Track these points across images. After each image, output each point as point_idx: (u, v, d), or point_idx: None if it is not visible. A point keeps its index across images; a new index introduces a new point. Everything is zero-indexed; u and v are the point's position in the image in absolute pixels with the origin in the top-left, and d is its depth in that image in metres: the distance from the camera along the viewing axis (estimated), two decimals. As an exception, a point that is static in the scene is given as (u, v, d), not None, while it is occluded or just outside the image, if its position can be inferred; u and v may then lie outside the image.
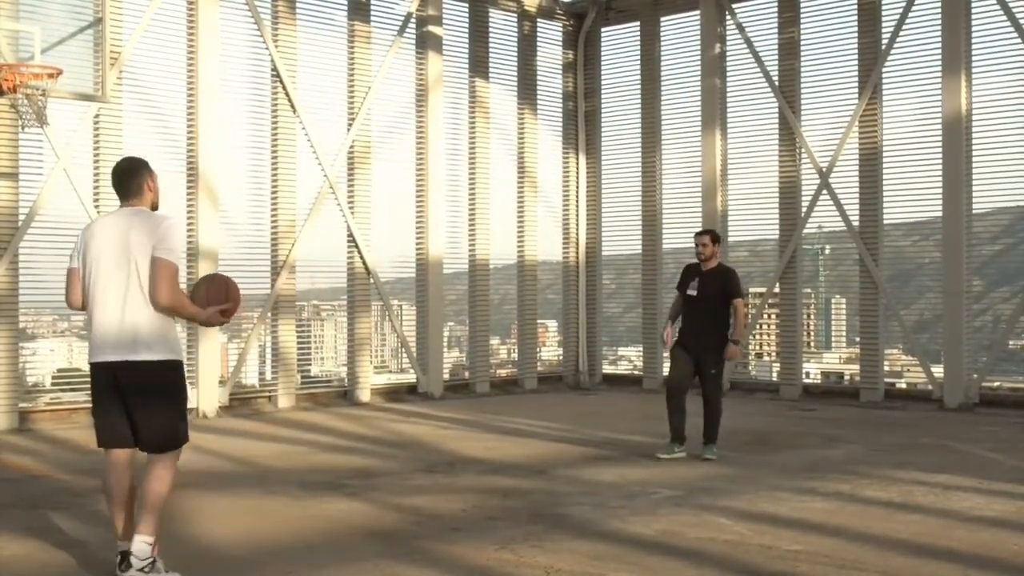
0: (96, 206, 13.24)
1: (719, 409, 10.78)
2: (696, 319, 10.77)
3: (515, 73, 18.19)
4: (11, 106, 11.27)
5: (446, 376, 17.35)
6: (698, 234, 10.99)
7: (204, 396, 14.01)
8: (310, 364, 16.25)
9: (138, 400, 6.04)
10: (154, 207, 6.29)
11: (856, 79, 15.96)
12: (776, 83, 16.65)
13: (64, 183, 13.23)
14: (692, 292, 10.74)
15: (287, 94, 15.10)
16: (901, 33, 15.53)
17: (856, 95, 15.92)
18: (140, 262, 5.97)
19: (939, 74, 15.16)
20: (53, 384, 14.45)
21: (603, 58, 19.06)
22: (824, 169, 16.19)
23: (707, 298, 10.70)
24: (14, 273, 12.93)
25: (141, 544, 5.98)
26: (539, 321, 18.86)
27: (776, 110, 16.73)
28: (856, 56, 15.98)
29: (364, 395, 15.91)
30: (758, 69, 16.88)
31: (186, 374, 6.39)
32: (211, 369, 14.22)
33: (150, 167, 6.34)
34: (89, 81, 11.67)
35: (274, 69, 15.07)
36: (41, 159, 13.18)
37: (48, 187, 13.13)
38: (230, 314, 6.34)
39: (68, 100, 11.74)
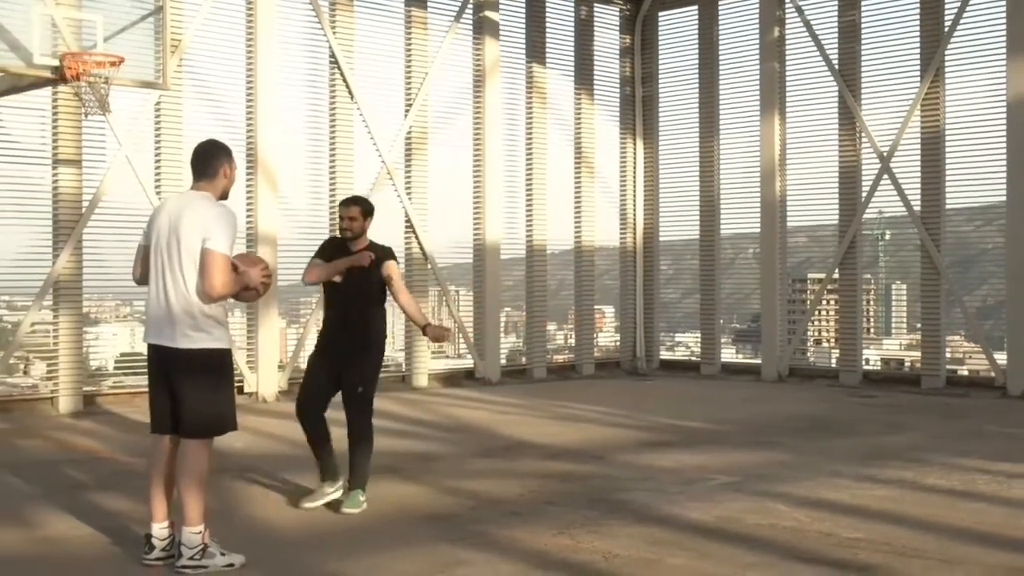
0: (157, 192, 13.38)
1: (370, 438, 7.85)
2: (340, 315, 7.76)
3: (572, 58, 18.13)
4: (74, 94, 11.39)
5: (503, 361, 17.38)
6: (344, 203, 7.84)
7: (264, 381, 14.12)
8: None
9: (176, 385, 6.10)
10: (224, 195, 6.31)
11: (918, 61, 15.75)
12: (836, 66, 16.47)
13: (126, 170, 13.38)
14: (337, 279, 7.67)
15: (345, 80, 15.17)
16: (965, 14, 15.29)
17: (918, 78, 15.71)
18: (184, 248, 5.98)
19: (1004, 55, 14.92)
20: (116, 368, 14.66)
21: (661, 42, 18.93)
22: (885, 153, 16.00)
23: (358, 285, 7.68)
24: (78, 259, 13.11)
25: (188, 535, 6.04)
26: (596, 307, 18.83)
27: (836, 94, 16.55)
28: (918, 38, 15.76)
29: (421, 380, 15.98)
30: (817, 52, 16.70)
31: (232, 362, 6.35)
32: (270, 354, 14.32)
33: (230, 154, 6.35)
34: (150, 69, 11.77)
35: (332, 56, 15.14)
36: (104, 146, 13.35)
37: (111, 174, 13.29)
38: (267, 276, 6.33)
39: (130, 88, 11.84)
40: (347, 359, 7.66)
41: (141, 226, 6.43)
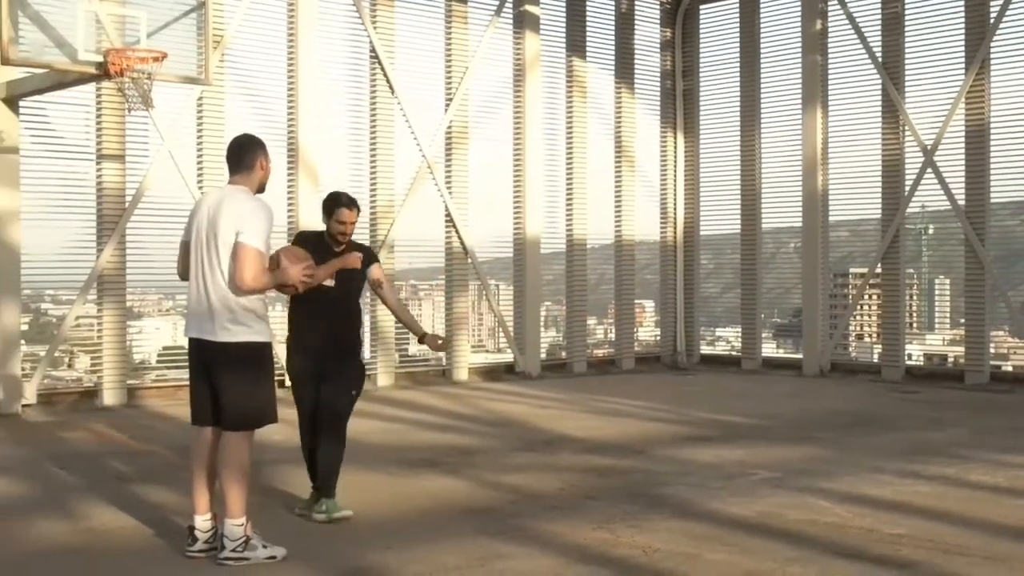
0: (200, 187, 13.47)
1: (343, 441, 7.41)
2: (326, 317, 7.24)
3: (612, 52, 18.09)
4: (118, 89, 11.48)
5: (543, 356, 17.38)
6: (349, 205, 7.31)
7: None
8: (408, 343, 16.37)
9: (217, 378, 6.14)
10: (261, 188, 6.34)
11: (963, 53, 15.59)
12: (879, 58, 16.33)
13: (169, 165, 13.49)
14: (329, 282, 7.11)
15: (385, 75, 15.21)
16: (1011, 5, 15.12)
17: (963, 70, 15.56)
18: (221, 242, 6.02)
19: (1050, 48, 14.76)
20: (159, 362, 14.78)
21: (702, 36, 18.85)
22: (929, 147, 15.85)
23: (346, 287, 7.29)
24: (121, 253, 13.23)
25: (230, 527, 6.09)
26: (636, 301, 18.79)
27: (879, 86, 16.42)
28: (963, 29, 15.60)
29: (462, 374, 16.01)
30: (860, 44, 16.57)
31: (272, 355, 6.34)
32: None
33: (265, 147, 6.38)
34: (192, 64, 11.84)
35: (373, 50, 15.19)
36: (147, 141, 13.46)
37: (154, 169, 13.40)
38: (310, 272, 6.31)
39: (172, 83, 11.93)
40: (334, 362, 7.27)
41: (183, 220, 6.48)
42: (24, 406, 12.38)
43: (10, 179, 12.31)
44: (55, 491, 8.18)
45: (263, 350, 6.21)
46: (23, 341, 12.82)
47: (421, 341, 7.72)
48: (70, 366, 14.24)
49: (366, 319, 15.19)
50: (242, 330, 6.08)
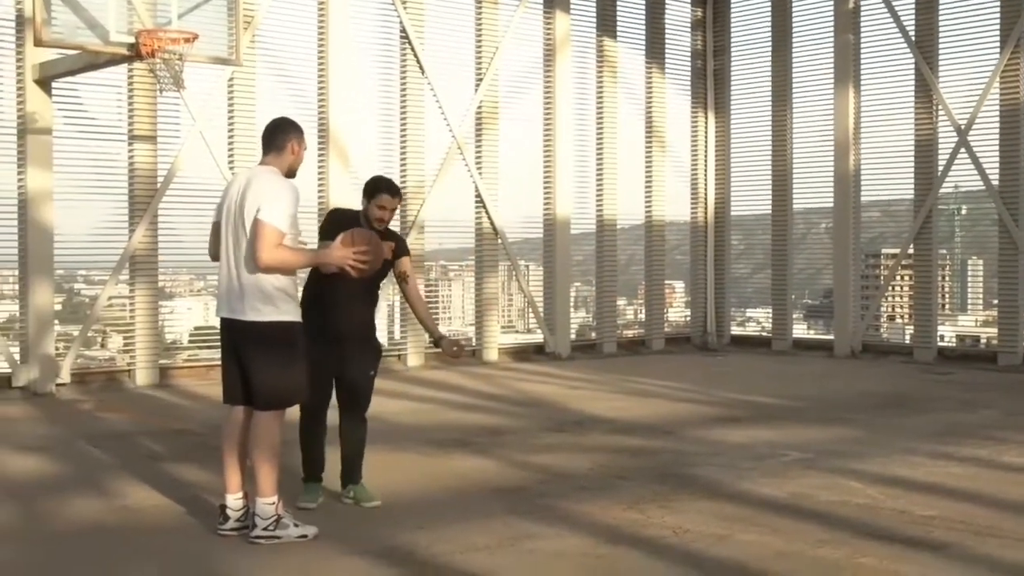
0: (231, 167, 13.51)
1: (366, 424, 7.32)
2: (348, 299, 7.02)
3: (643, 31, 18.00)
4: (149, 70, 11.51)
5: (573, 336, 17.38)
6: (390, 191, 7.22)
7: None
8: (438, 324, 16.35)
9: (247, 358, 6.18)
10: (291, 172, 6.34)
11: (998, 32, 15.43)
12: (912, 37, 16.18)
13: (200, 145, 13.54)
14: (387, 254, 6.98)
15: (415, 55, 15.20)
16: (1046, -16, 14.97)
17: (998, 49, 15.40)
18: (247, 221, 6.05)
19: (1086, 26, 14.59)
20: (190, 341, 14.87)
21: (733, 15, 18.73)
22: (962, 126, 15.71)
23: (373, 273, 6.79)
24: (153, 234, 13.30)
25: (262, 506, 6.12)
26: (666, 282, 18.75)
27: (912, 65, 16.26)
28: (998, 8, 15.43)
29: (491, 354, 16.03)
30: (893, 23, 16.42)
31: (303, 335, 6.33)
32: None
33: (301, 132, 6.38)
34: (223, 45, 11.87)
35: (403, 30, 15.17)
36: (178, 122, 13.52)
37: (185, 150, 13.45)
38: (365, 255, 6.20)
39: (203, 64, 11.97)
40: (354, 346, 7.10)
41: (214, 201, 6.50)
42: (58, 385, 12.49)
43: (43, 160, 12.40)
44: (89, 470, 8.26)
45: (292, 329, 6.22)
46: (56, 321, 12.92)
47: (436, 344, 7.56)
48: (103, 346, 14.35)
49: (396, 299, 15.27)
50: (271, 310, 6.09)
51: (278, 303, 6.11)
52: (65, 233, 12.80)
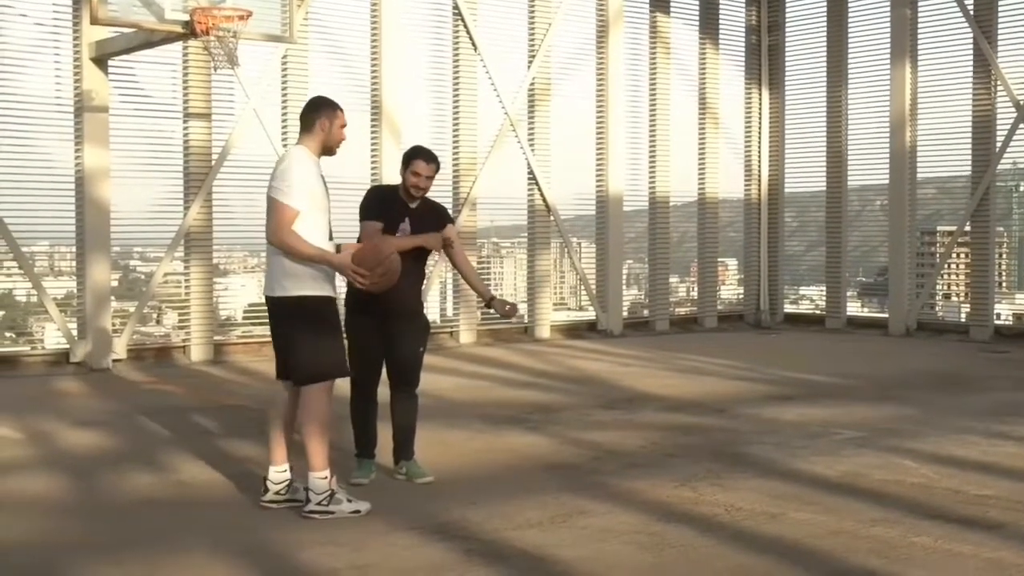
0: (284, 144, 13.58)
1: (417, 400, 7.31)
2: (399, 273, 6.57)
3: (697, 7, 17.87)
4: (204, 48, 11.58)
5: (625, 314, 17.34)
6: (427, 158, 7.06)
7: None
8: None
9: (280, 334, 6.30)
10: (327, 149, 6.32)
11: (1059, 6, 15.19)
12: (971, 12, 15.94)
13: (254, 123, 13.62)
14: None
15: (468, 32, 15.18)
16: (1109, -44, 14.69)
17: (1058, 23, 15.16)
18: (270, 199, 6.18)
19: None
20: (244, 318, 14.99)
21: (788, -11, 18.57)
22: (1022, 102, 15.47)
23: (419, 249, 7.11)
24: (208, 211, 13.41)
25: (315, 480, 6.17)
26: (719, 259, 18.66)
27: (970, 40, 16.03)
28: (1059, -19, 15.19)
29: (544, 332, 16.04)
30: (952, -3, 16.20)
31: (336, 309, 6.35)
32: (394, 305, 14.47)
33: (331, 108, 6.31)
34: (277, 23, 11.92)
35: (455, 7, 15.16)
36: (232, 100, 13.61)
37: (239, 127, 13.54)
38: (368, 279, 6.16)
39: (257, 42, 12.02)
40: (402, 322, 7.05)
41: (267, 178, 6.53)
42: (114, 361, 12.65)
43: (100, 138, 12.52)
44: (144, 444, 8.36)
45: (321, 304, 6.22)
46: (113, 297, 13.07)
47: (488, 305, 7.52)
48: (158, 322, 14.50)
49: (448, 276, 15.31)
50: (296, 285, 6.14)
51: (303, 278, 6.15)
52: (121, 210, 12.94)
